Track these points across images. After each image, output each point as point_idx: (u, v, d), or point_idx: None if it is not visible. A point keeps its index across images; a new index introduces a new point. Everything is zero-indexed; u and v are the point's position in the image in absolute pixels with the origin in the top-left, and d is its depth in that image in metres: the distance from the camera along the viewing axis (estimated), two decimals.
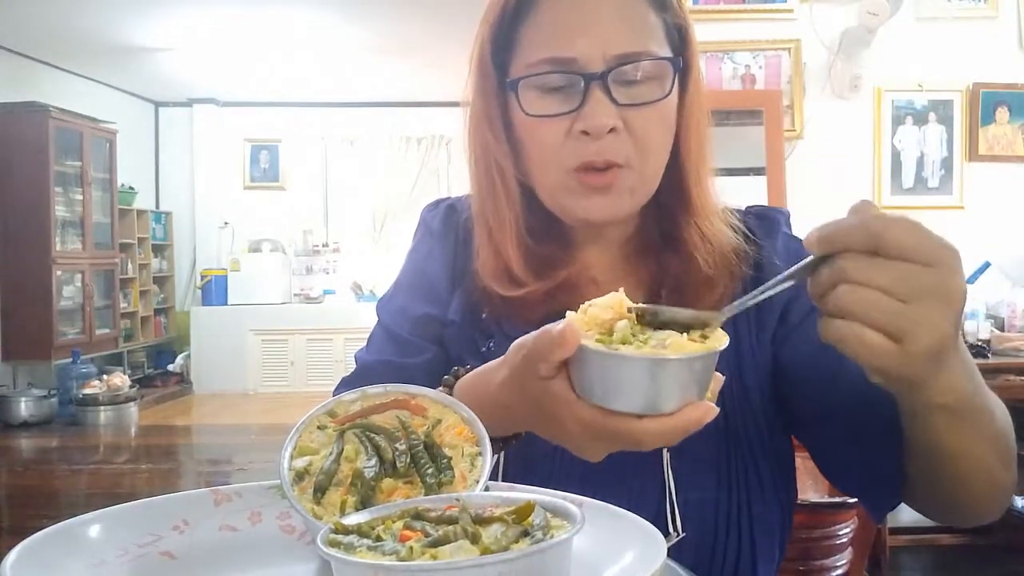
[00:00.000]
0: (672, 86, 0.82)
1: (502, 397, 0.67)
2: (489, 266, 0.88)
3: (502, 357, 0.68)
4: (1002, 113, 3.49)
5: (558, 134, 0.82)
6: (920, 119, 3.51)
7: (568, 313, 0.62)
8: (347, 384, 0.90)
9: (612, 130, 0.80)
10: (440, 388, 0.71)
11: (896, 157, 3.51)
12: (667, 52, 0.83)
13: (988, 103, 3.49)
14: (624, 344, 0.60)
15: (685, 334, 0.60)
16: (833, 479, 0.85)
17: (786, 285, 0.61)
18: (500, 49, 0.86)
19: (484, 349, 0.89)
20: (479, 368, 0.73)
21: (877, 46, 3.37)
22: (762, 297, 0.62)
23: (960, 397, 0.63)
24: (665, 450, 0.81)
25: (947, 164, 3.52)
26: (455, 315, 0.92)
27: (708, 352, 0.59)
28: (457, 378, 0.75)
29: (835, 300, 0.57)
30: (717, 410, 0.59)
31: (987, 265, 3.32)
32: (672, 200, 0.88)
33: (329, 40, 6.48)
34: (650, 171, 0.84)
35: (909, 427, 0.70)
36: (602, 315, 0.62)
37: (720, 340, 0.60)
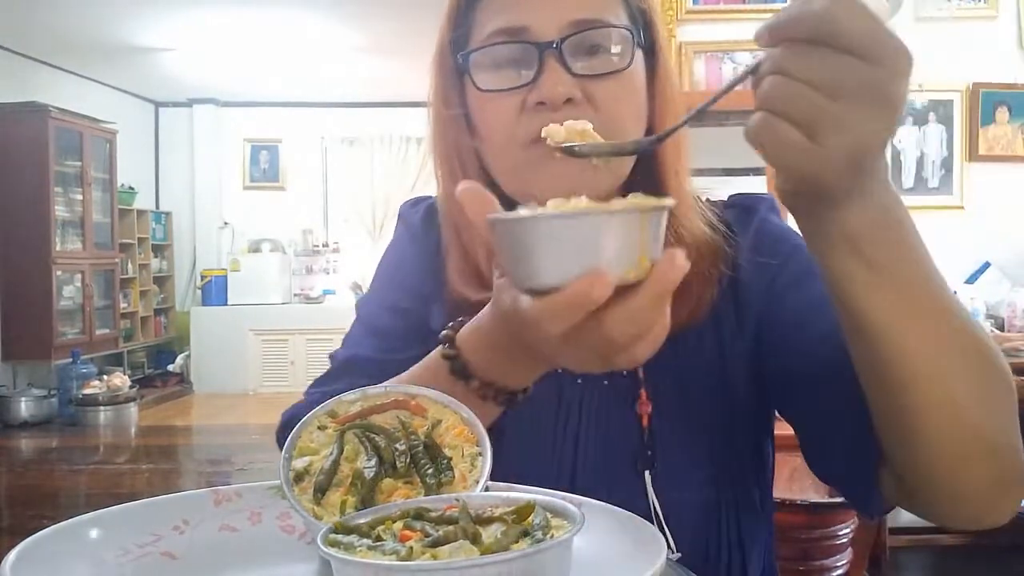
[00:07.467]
0: (632, 57, 0.77)
1: (494, 337, 0.64)
2: (459, 269, 0.84)
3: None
4: (1002, 113, 3.49)
5: (512, 109, 0.77)
6: (920, 119, 3.51)
7: (551, 202, 0.53)
8: (319, 383, 0.86)
9: (569, 101, 0.74)
10: (442, 344, 0.68)
11: (896, 157, 3.50)
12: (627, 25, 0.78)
13: (988, 103, 3.49)
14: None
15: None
16: (817, 468, 0.77)
17: (734, 86, 0.56)
18: (458, 34, 0.83)
19: None
20: (474, 319, 0.68)
21: None
22: (709, 103, 0.56)
23: (873, 231, 0.55)
24: (638, 461, 0.80)
25: (947, 164, 3.51)
26: (436, 324, 0.86)
27: (637, 208, 0.50)
28: (456, 331, 0.70)
29: (760, 91, 0.51)
30: (609, 286, 0.49)
31: (987, 265, 3.32)
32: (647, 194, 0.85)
33: (329, 40, 6.48)
34: None
35: (831, 289, 0.59)
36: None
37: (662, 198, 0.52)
